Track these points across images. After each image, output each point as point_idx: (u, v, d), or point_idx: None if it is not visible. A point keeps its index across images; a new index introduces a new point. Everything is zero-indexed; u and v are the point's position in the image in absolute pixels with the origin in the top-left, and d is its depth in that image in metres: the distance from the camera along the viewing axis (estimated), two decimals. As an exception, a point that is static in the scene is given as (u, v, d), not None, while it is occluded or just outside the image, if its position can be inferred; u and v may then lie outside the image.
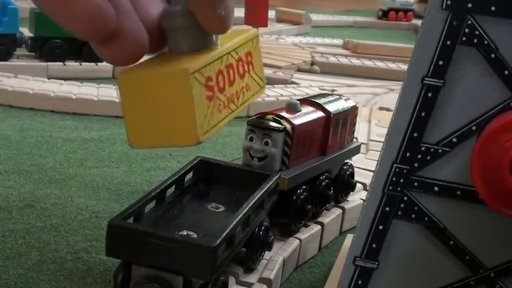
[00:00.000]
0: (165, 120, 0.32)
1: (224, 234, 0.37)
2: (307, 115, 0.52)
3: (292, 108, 0.51)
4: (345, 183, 0.57)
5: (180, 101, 0.32)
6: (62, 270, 0.47)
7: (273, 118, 0.49)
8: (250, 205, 0.41)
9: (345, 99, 0.57)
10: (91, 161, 0.71)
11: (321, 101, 0.54)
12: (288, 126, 0.49)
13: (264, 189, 0.44)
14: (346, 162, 0.58)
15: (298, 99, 0.53)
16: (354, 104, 0.57)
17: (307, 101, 0.54)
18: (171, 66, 0.33)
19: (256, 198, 0.42)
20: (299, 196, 0.50)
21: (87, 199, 0.60)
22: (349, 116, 0.56)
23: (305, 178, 0.51)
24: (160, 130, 0.33)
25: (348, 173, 0.58)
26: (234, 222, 0.39)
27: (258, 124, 0.49)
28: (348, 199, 0.60)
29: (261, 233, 0.44)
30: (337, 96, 0.58)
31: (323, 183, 0.53)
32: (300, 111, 0.51)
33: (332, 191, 0.54)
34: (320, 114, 0.53)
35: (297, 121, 0.50)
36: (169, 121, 0.32)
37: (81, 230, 0.53)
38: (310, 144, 0.52)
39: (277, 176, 0.46)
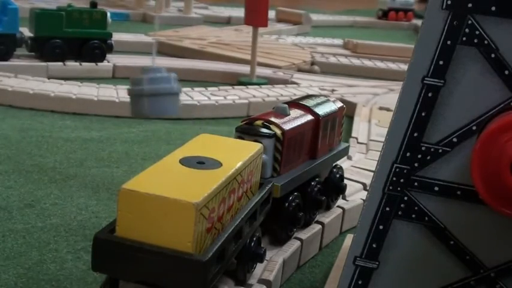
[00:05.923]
0: (159, 231, 0.34)
1: (215, 248, 0.35)
2: (297, 119, 0.50)
3: (280, 112, 0.50)
4: (335, 186, 0.56)
5: (180, 228, 0.33)
6: (62, 270, 0.47)
7: (263, 124, 0.47)
8: (242, 216, 0.39)
9: (333, 101, 0.56)
10: (91, 161, 0.71)
11: (309, 103, 0.53)
12: (278, 132, 0.47)
13: (257, 199, 0.42)
14: (336, 165, 0.57)
15: (286, 102, 0.52)
16: (341, 104, 0.57)
17: (296, 104, 0.53)
18: (178, 191, 0.34)
19: (249, 208, 0.40)
20: (291, 203, 0.48)
21: (87, 199, 0.60)
22: (337, 117, 0.55)
23: (297, 184, 0.49)
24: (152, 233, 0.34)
25: (337, 175, 0.56)
26: (225, 235, 0.37)
27: (247, 130, 0.47)
28: (347, 199, 0.60)
29: (252, 244, 0.42)
30: (325, 98, 0.57)
31: (315, 189, 0.52)
32: (289, 115, 0.50)
33: (324, 198, 0.52)
34: (309, 117, 0.51)
35: (287, 126, 0.48)
36: (163, 234, 0.34)
37: (81, 230, 0.53)
38: (301, 149, 0.51)
39: (270, 185, 0.45)
